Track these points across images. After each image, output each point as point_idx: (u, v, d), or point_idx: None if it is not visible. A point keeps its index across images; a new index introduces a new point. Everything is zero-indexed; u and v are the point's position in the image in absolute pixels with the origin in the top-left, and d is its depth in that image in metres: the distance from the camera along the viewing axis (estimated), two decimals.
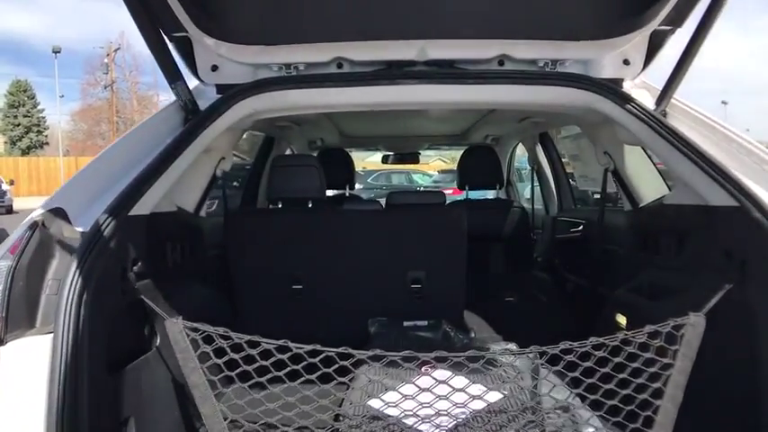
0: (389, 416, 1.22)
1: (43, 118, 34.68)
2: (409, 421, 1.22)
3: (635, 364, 1.00)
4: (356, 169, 3.37)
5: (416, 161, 4.14)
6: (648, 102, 1.36)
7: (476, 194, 2.94)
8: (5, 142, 33.45)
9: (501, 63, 1.40)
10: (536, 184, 2.90)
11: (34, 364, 0.90)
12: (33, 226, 1.00)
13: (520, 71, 1.37)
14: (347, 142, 3.25)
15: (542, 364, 1.05)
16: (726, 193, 1.08)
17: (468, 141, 3.20)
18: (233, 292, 1.80)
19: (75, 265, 0.95)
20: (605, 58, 1.38)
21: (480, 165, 2.52)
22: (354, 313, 1.71)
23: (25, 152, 31.25)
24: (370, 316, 1.73)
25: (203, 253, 1.72)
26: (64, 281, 0.94)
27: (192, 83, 1.43)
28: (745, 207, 1.03)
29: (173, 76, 1.28)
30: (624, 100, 1.31)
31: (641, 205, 1.65)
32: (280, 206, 1.90)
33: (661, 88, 1.34)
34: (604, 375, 0.99)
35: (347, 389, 1.19)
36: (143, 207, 1.17)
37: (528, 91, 1.39)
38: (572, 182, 2.70)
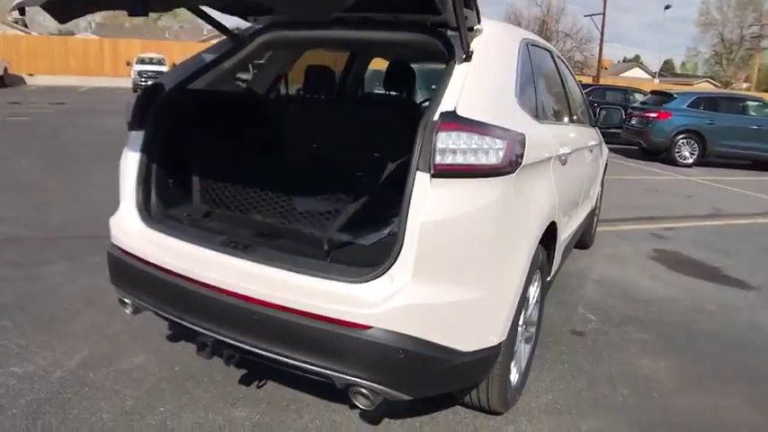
0: None
1: None
2: None
3: None
4: None
5: None
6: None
7: None
8: None
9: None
10: None
11: (138, 142, 2.27)
12: (146, 88, 2.36)
13: (396, 23, 2.18)
14: None
15: None
16: None
17: None
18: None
19: (157, 104, 2.29)
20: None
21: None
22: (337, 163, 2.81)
23: None
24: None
25: (268, 118, 2.98)
26: (152, 110, 2.28)
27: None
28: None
29: (223, 28, 2.49)
30: (444, 43, 2.05)
31: None
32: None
33: None
34: None
35: None
36: (197, 84, 2.45)
37: (398, 35, 2.22)
38: None
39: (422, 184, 1.66)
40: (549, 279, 2.76)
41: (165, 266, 2.03)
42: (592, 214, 4.46)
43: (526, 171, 1.95)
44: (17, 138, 9.33)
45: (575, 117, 3.38)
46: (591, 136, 3.79)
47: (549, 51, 3.18)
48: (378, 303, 1.67)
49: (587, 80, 28.35)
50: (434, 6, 1.82)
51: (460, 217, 1.69)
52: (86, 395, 2.30)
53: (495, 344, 1.88)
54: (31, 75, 24.51)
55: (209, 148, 2.35)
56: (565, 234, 2.95)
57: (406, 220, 1.67)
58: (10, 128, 10.59)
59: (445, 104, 1.73)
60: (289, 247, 2.01)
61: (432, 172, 1.65)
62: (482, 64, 1.95)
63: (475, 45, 2.00)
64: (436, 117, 1.69)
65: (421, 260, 1.67)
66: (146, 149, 2.26)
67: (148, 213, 2.23)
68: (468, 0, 1.88)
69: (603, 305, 3.68)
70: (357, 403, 1.79)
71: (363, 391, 1.74)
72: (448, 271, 1.71)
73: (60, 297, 3.18)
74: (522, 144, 1.88)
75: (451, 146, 1.66)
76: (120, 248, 2.21)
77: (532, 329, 2.55)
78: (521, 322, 2.27)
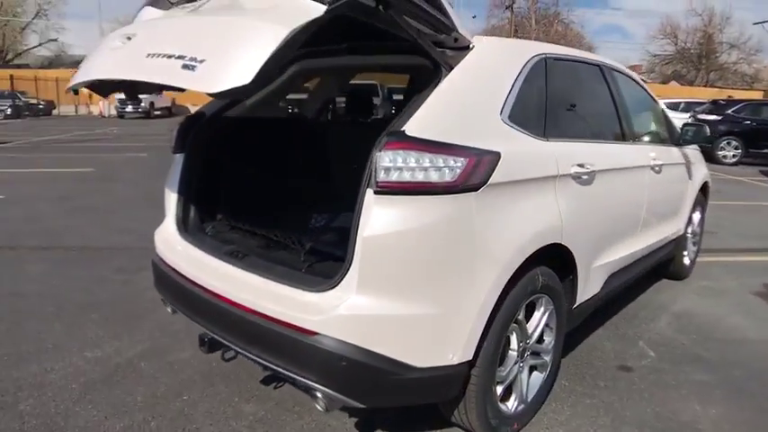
0: None
1: None
2: None
3: None
4: None
5: None
6: None
7: None
8: None
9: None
10: None
11: (179, 163, 2.61)
12: (188, 116, 2.73)
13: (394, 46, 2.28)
14: None
15: None
16: None
17: None
18: None
19: (195, 130, 2.63)
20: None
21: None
22: None
23: None
24: None
25: (301, 140, 3.22)
26: (191, 136, 2.63)
27: None
28: None
29: None
30: (433, 63, 2.11)
31: None
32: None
33: None
34: None
35: None
36: (234, 112, 2.77)
37: (405, 59, 2.31)
38: None
39: (368, 200, 1.74)
40: (575, 306, 2.61)
41: (185, 273, 2.32)
42: (677, 241, 4.05)
43: (502, 189, 1.93)
44: (169, 160, 10.83)
45: (628, 134, 3.14)
46: (661, 155, 3.47)
47: (596, 66, 3.03)
48: (325, 311, 1.77)
49: (756, 95, 24.92)
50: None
51: (407, 233, 1.74)
52: (132, 379, 2.68)
53: (456, 363, 1.86)
54: (194, 105, 28.26)
55: (237, 168, 2.64)
56: (600, 260, 2.76)
57: (356, 235, 1.76)
58: (164, 152, 12.32)
59: (401, 123, 1.80)
60: (282, 258, 2.19)
61: (375, 189, 1.72)
62: (457, 82, 1.97)
63: (459, 64, 2.04)
64: (386, 136, 1.77)
65: (364, 273, 1.74)
66: (185, 170, 2.60)
67: (185, 227, 2.56)
68: (439, 26, 1.93)
69: (671, 341, 3.32)
70: (317, 405, 1.89)
71: (318, 394, 1.84)
72: (394, 285, 1.76)
73: (144, 298, 3.69)
74: (492, 162, 1.88)
75: (399, 164, 1.73)
76: (159, 257, 2.56)
77: (546, 357, 2.44)
78: (514, 347, 2.20)
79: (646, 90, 3.69)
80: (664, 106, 3.85)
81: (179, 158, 2.64)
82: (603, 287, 2.88)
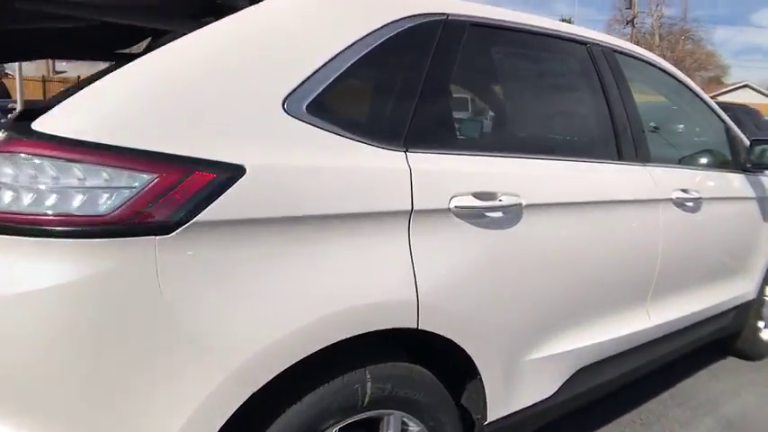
0: None
1: None
2: None
3: None
4: None
5: None
6: None
7: None
8: None
9: None
10: None
11: None
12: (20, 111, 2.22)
13: None
14: None
15: None
16: None
17: None
18: None
19: None
20: None
21: None
22: None
23: None
24: None
25: None
26: None
27: None
28: None
29: None
30: None
31: None
32: None
33: None
34: None
35: None
36: None
37: None
38: None
39: None
40: (489, 422, 1.64)
41: None
42: (743, 309, 2.81)
43: (246, 231, 1.11)
44: None
45: (633, 152, 2.08)
46: (701, 184, 2.34)
47: (580, 44, 2.03)
48: None
49: None
50: None
51: (15, 302, 0.99)
52: None
53: None
54: None
55: None
56: (548, 348, 1.75)
57: None
58: None
59: (48, 113, 1.07)
60: None
61: None
62: (187, 49, 1.21)
63: (213, 24, 1.27)
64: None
65: None
66: None
67: None
68: None
69: None
70: None
71: None
72: (9, 386, 1.02)
73: None
74: (213, 183, 1.07)
75: (25, 180, 1.00)
76: None
77: None
78: None
79: (691, 90, 2.53)
80: (726, 117, 2.66)
81: None
82: (566, 387, 1.86)
